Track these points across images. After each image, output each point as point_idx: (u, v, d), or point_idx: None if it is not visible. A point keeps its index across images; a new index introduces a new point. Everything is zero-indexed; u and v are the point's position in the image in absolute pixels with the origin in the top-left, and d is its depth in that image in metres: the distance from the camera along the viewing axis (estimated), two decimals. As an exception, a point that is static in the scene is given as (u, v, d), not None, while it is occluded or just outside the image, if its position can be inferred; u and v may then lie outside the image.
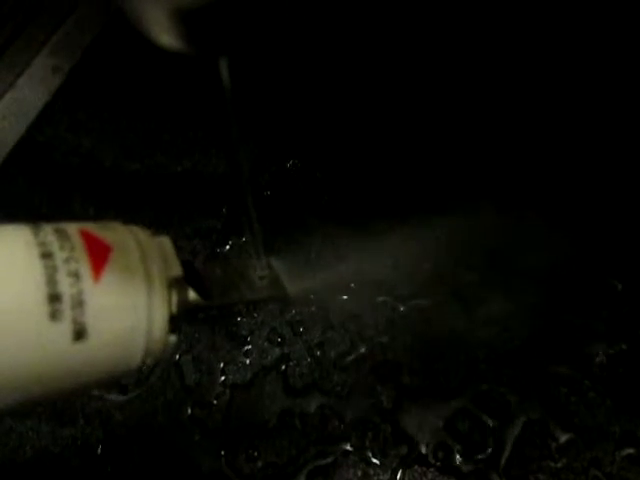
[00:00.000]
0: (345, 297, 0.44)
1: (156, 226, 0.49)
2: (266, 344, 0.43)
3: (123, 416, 0.41)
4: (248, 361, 0.43)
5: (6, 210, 0.51)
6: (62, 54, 0.59)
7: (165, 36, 0.14)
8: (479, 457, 0.38)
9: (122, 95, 0.57)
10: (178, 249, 0.47)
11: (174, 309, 0.21)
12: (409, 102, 0.52)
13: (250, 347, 0.43)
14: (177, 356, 0.43)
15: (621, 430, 0.38)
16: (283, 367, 0.42)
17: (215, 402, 0.41)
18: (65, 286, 0.17)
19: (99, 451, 0.40)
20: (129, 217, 0.49)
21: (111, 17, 0.61)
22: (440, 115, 0.52)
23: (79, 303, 0.17)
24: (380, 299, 0.44)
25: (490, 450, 0.38)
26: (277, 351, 0.43)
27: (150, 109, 0.56)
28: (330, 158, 0.51)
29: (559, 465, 0.38)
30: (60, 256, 0.18)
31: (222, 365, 0.42)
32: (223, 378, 0.42)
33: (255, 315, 0.44)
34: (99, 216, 0.50)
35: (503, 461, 0.38)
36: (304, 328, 0.43)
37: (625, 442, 0.38)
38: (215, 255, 0.47)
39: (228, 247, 0.47)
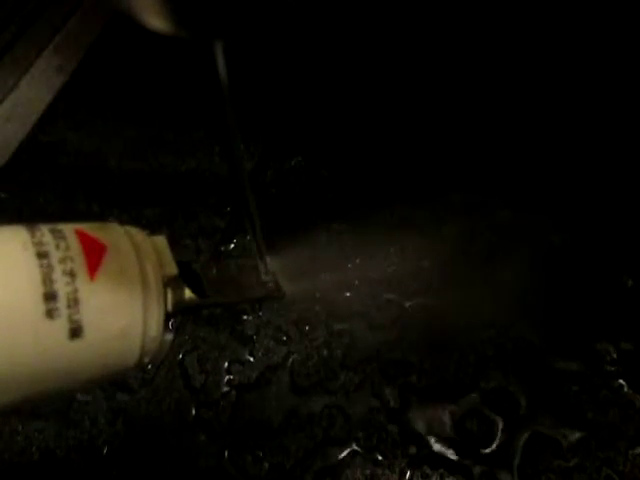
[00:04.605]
0: (351, 295, 0.44)
1: (160, 225, 0.49)
2: (272, 343, 0.43)
3: (128, 417, 0.41)
4: (254, 360, 0.42)
5: (11, 210, 0.51)
6: (65, 54, 0.59)
7: (155, 18, 0.14)
8: (489, 457, 0.38)
9: (125, 95, 0.57)
10: (182, 248, 0.47)
11: (170, 308, 0.21)
12: (413, 100, 0.52)
13: (256, 346, 0.43)
14: (182, 356, 0.43)
15: (634, 428, 0.38)
16: (289, 366, 0.42)
17: (220, 402, 0.41)
18: (61, 285, 0.18)
19: (105, 452, 0.40)
20: (133, 216, 0.50)
21: (114, 16, 0.61)
22: (444, 113, 0.51)
23: (74, 302, 0.18)
24: (386, 297, 0.43)
25: (500, 450, 0.38)
26: (283, 350, 0.42)
27: (154, 108, 0.56)
28: (335, 155, 0.50)
29: (571, 464, 0.37)
30: (56, 255, 0.18)
31: (227, 364, 0.42)
32: (228, 378, 0.42)
33: (260, 314, 0.44)
34: (103, 216, 0.50)
35: (514, 461, 0.37)
36: (310, 327, 0.43)
37: (638, 441, 0.37)
38: (219, 254, 0.47)
39: (232, 246, 0.47)
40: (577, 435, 0.38)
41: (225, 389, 0.41)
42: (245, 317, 0.44)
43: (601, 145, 0.48)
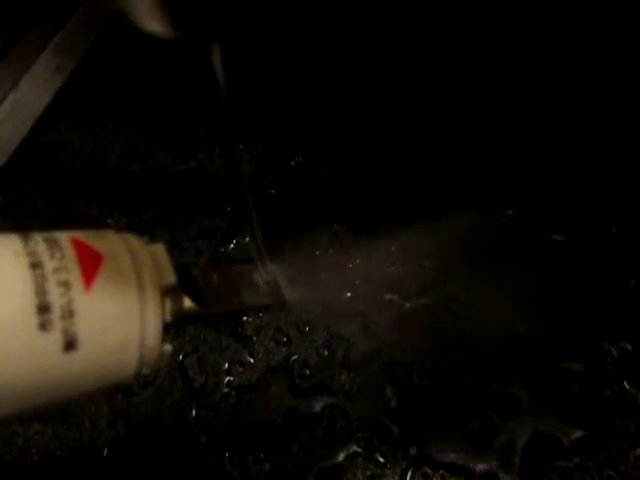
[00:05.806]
0: (351, 295, 0.43)
1: (160, 226, 0.49)
2: (272, 344, 0.43)
3: (129, 419, 0.41)
4: (254, 362, 0.42)
5: (10, 212, 0.51)
6: (64, 54, 0.59)
7: (151, 22, 0.14)
8: (490, 457, 0.37)
9: (125, 95, 0.57)
10: (182, 249, 0.47)
11: (168, 317, 0.21)
12: (413, 99, 0.52)
13: (256, 347, 0.43)
14: (182, 357, 0.43)
15: (635, 428, 0.38)
16: (289, 367, 0.42)
17: (221, 404, 0.41)
18: (55, 296, 0.17)
19: (105, 454, 0.40)
20: (133, 217, 0.49)
21: (113, 17, 0.61)
22: (446, 112, 0.51)
23: (69, 313, 0.17)
24: (387, 297, 0.43)
25: (502, 450, 0.38)
26: (283, 351, 0.42)
27: (153, 109, 0.55)
28: (334, 155, 0.50)
29: (572, 464, 0.37)
30: (50, 265, 0.17)
31: (227, 366, 0.42)
32: (229, 379, 0.42)
33: (260, 315, 0.43)
34: (103, 216, 0.50)
35: (515, 461, 0.37)
36: (310, 328, 0.43)
37: (639, 441, 0.37)
38: (219, 254, 0.46)
39: (232, 246, 0.47)
40: (579, 435, 0.38)
41: (225, 390, 0.41)
42: (245, 318, 0.43)
43: (604, 145, 0.48)
